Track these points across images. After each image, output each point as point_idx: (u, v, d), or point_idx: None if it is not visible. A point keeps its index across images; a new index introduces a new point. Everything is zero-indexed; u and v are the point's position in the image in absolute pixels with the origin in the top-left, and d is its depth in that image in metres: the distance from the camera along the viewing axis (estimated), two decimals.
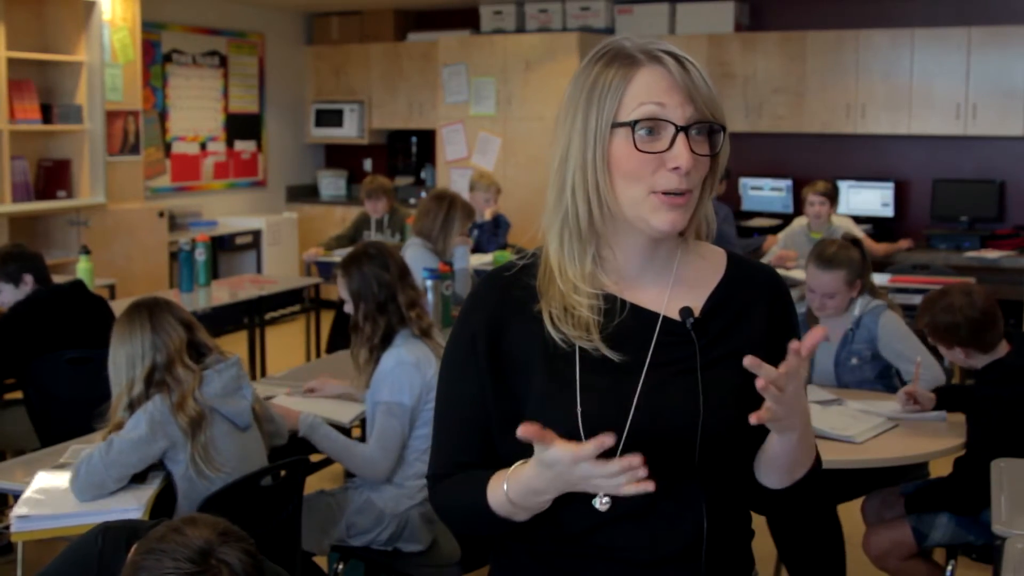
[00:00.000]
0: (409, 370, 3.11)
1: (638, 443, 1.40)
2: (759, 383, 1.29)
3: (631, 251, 1.48)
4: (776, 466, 1.46)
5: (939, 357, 3.55)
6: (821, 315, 3.74)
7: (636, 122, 1.39)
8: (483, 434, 1.49)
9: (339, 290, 3.29)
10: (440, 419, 1.56)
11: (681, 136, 1.39)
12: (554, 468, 1.32)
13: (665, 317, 1.46)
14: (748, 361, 1.28)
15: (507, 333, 1.48)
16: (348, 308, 3.27)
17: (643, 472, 1.27)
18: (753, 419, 1.31)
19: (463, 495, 1.48)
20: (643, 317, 1.46)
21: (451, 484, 1.51)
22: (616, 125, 1.40)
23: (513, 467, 1.40)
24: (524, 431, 1.29)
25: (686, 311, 1.45)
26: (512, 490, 1.39)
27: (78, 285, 4.37)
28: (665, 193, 1.40)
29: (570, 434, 1.38)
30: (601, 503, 1.40)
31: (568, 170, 1.44)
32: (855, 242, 3.78)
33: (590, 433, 1.36)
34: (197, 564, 1.56)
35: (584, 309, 1.44)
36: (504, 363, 1.47)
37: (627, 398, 1.41)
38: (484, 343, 1.48)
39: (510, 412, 1.44)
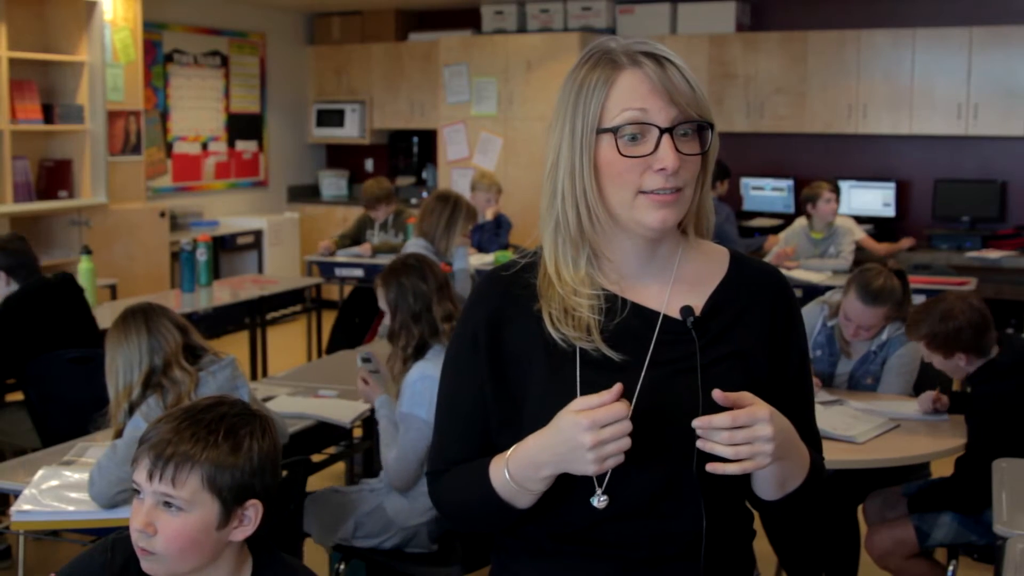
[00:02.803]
0: (431, 384, 3.06)
1: (637, 442, 1.39)
2: (711, 467, 1.35)
3: (630, 251, 1.48)
4: (765, 483, 1.47)
5: (933, 377, 3.55)
6: (852, 340, 3.72)
7: (619, 128, 1.40)
8: (483, 431, 1.49)
9: (378, 300, 3.30)
10: (441, 415, 1.56)
11: (666, 138, 1.39)
12: (569, 430, 1.33)
13: (665, 316, 1.46)
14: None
15: (508, 330, 1.48)
16: (388, 319, 3.28)
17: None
18: (710, 468, 1.35)
19: (464, 483, 1.48)
20: (644, 316, 1.46)
21: (452, 476, 1.51)
22: (601, 131, 1.41)
23: (514, 446, 1.41)
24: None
25: (687, 310, 1.45)
26: (513, 466, 1.40)
27: (67, 279, 4.34)
28: (654, 192, 1.40)
29: None
30: (599, 501, 1.40)
31: (558, 176, 1.45)
32: (899, 273, 3.69)
33: None
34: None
35: (585, 310, 1.44)
36: (505, 360, 1.48)
37: (627, 397, 1.40)
38: (485, 340, 1.49)
39: (509, 409, 1.45)
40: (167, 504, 1.60)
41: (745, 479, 1.48)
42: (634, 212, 1.42)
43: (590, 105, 1.41)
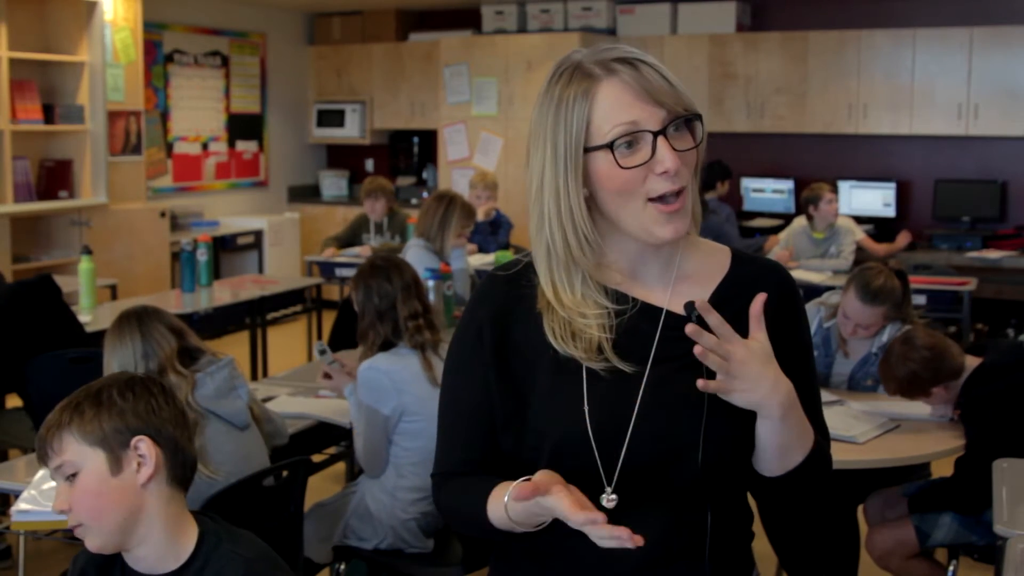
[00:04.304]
0: (375, 374, 3.15)
1: (643, 440, 1.40)
2: (696, 350, 1.32)
3: (633, 251, 1.47)
4: (765, 451, 1.45)
5: None
6: (850, 339, 3.72)
7: (613, 142, 1.38)
8: (488, 430, 1.48)
9: (352, 302, 3.37)
10: (445, 415, 1.55)
11: (660, 140, 1.38)
12: (552, 513, 1.33)
13: (668, 312, 1.46)
14: (690, 329, 1.32)
15: (513, 329, 1.48)
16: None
17: (634, 542, 1.29)
18: (700, 384, 1.34)
19: (465, 503, 1.48)
20: (647, 312, 1.46)
21: (454, 489, 1.50)
22: (591, 149, 1.40)
23: (515, 484, 1.38)
24: (523, 493, 1.31)
25: (690, 306, 1.43)
26: (512, 509, 1.38)
27: (44, 279, 4.33)
28: (662, 200, 1.40)
29: (577, 430, 1.39)
30: (608, 500, 1.40)
31: (544, 199, 1.43)
32: (899, 273, 3.67)
33: (596, 428, 1.38)
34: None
35: (594, 330, 1.43)
36: (510, 358, 1.47)
37: (632, 394, 1.41)
38: (490, 337, 1.48)
39: (514, 408, 1.44)
40: (69, 478, 1.73)
41: (748, 470, 1.48)
42: (644, 222, 1.41)
43: (571, 122, 1.40)
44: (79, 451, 1.72)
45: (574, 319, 1.43)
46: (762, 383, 1.36)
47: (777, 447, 1.44)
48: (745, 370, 1.34)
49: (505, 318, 1.48)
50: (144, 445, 1.74)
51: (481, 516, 1.43)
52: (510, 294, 1.49)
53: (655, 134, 1.38)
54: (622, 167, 1.38)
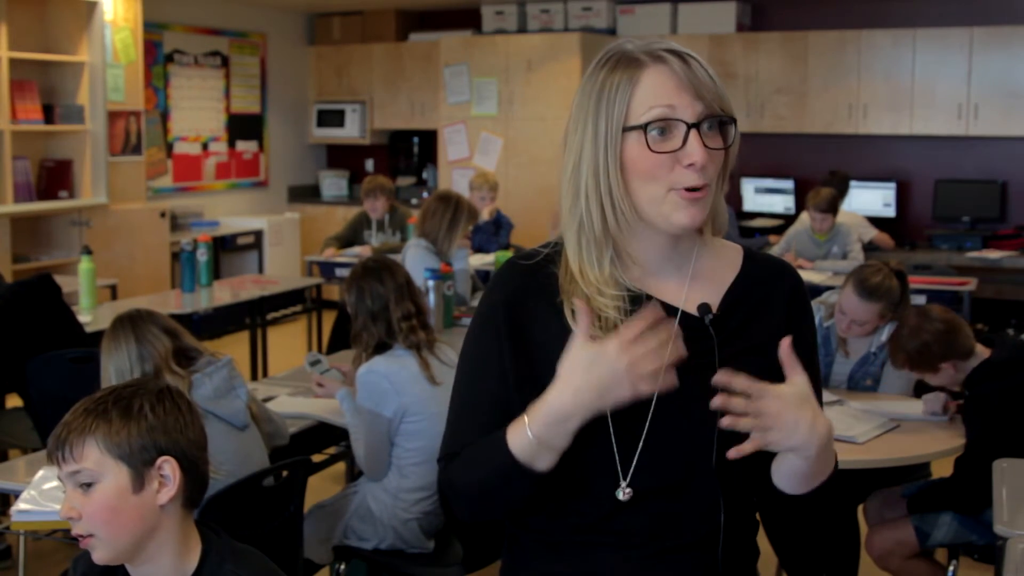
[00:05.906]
0: (375, 378, 3.15)
1: (658, 437, 1.41)
2: (725, 422, 1.33)
3: (652, 247, 1.49)
4: (793, 478, 1.46)
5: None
6: (846, 336, 3.72)
7: (648, 124, 1.40)
8: (502, 414, 1.46)
9: (346, 305, 3.37)
10: (460, 400, 1.53)
11: (693, 133, 1.40)
12: (599, 364, 1.32)
13: (684, 312, 1.47)
14: (716, 403, 1.34)
15: (530, 317, 1.48)
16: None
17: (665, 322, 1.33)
18: (731, 454, 1.34)
19: (479, 457, 1.45)
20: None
21: (464, 455, 1.48)
22: (627, 129, 1.41)
23: (531, 408, 1.38)
24: (581, 306, 1.35)
25: (704, 307, 1.46)
26: (536, 425, 1.36)
27: (44, 279, 4.33)
28: (685, 189, 1.41)
29: (596, 423, 1.39)
30: (624, 494, 1.41)
31: (581, 176, 1.45)
32: (899, 274, 3.67)
33: (616, 423, 1.39)
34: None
35: (611, 311, 1.44)
36: (527, 345, 1.47)
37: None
38: (507, 325, 1.48)
39: (531, 394, 1.43)
40: (83, 485, 1.68)
41: (762, 471, 1.48)
42: (664, 208, 1.42)
43: (614, 104, 1.42)
44: (101, 462, 1.67)
45: (593, 298, 1.44)
46: (799, 429, 1.36)
47: (805, 476, 1.45)
48: (780, 421, 1.34)
49: (522, 307, 1.48)
50: (169, 467, 1.71)
51: (499, 457, 1.39)
52: (530, 283, 1.49)
53: (689, 126, 1.40)
54: (652, 151, 1.40)
